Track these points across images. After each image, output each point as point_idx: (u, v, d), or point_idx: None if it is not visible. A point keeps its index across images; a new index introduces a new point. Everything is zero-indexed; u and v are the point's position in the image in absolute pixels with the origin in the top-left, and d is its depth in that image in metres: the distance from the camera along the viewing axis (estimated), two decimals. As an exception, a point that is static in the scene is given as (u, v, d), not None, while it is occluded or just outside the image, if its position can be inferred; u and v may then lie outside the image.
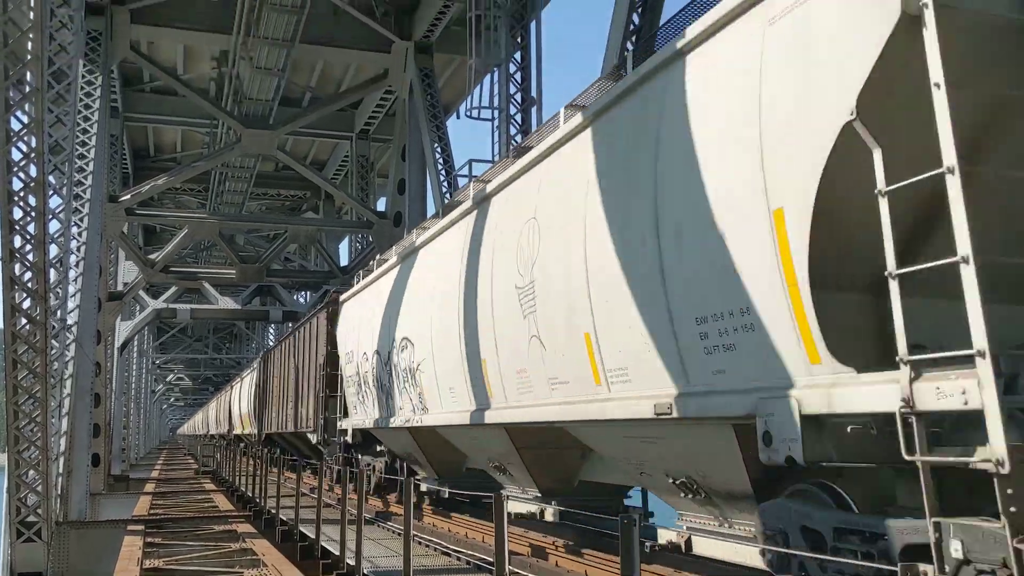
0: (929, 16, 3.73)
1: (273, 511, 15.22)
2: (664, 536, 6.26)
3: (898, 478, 4.52)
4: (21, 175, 12.56)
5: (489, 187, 8.64)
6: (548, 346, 7.04)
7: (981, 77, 3.92)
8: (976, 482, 3.53)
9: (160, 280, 26.24)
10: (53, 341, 13.82)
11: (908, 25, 3.84)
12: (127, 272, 27.96)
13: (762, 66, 4.65)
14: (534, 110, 16.72)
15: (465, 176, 17.35)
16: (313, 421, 18.09)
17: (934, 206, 3.93)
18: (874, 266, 3.98)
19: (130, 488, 26.54)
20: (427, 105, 21.91)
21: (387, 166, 29.01)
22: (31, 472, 13.89)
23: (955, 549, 3.49)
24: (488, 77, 16.64)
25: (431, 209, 22.26)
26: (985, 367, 3.38)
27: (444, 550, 10.43)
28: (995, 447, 3.33)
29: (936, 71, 3.66)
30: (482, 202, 8.78)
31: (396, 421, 11.80)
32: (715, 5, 5.26)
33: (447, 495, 11.70)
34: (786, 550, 4.72)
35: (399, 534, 10.38)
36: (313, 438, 18.43)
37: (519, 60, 16.67)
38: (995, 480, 3.35)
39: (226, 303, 27.54)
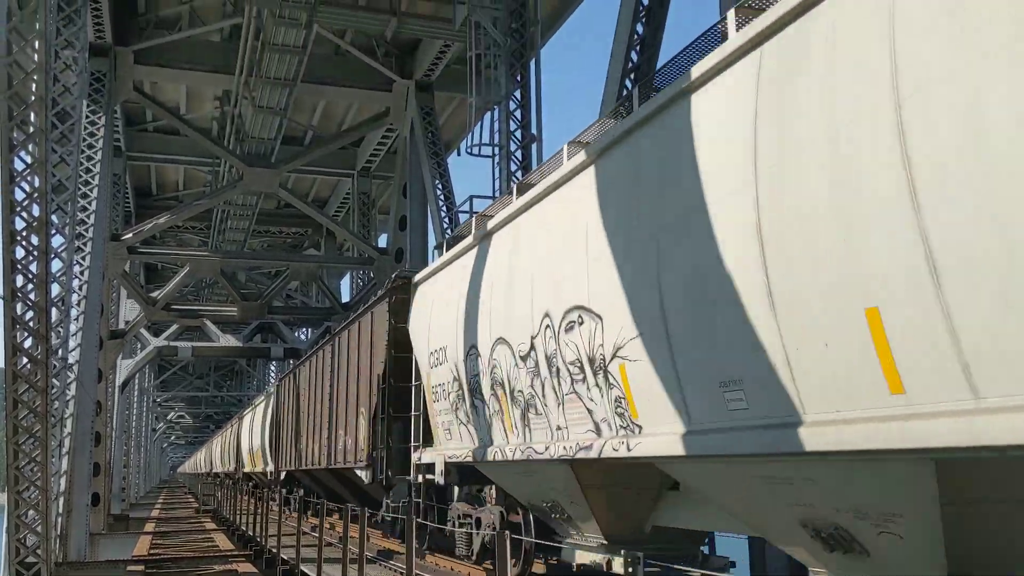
0: None
1: (274, 550, 15.09)
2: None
3: None
4: (24, 215, 12.61)
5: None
6: None
7: None
8: None
9: (162, 318, 26.25)
10: (54, 380, 13.79)
11: None
12: (128, 310, 27.97)
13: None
14: (534, 147, 16.83)
15: (466, 212, 17.42)
16: (365, 453, 13.74)
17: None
18: None
19: (130, 528, 26.33)
20: (428, 142, 22.07)
21: (388, 203, 29.14)
22: (31, 512, 13.78)
23: None
24: (488, 114, 16.76)
25: (431, 244, 22.34)
26: None
27: None
28: None
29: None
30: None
31: (555, 449, 7.38)
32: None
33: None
34: None
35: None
36: (364, 476, 13.94)
37: (519, 98, 16.80)
38: None
39: (227, 340, 27.50)
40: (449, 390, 10.13)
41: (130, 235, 23.85)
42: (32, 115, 12.32)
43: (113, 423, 28.75)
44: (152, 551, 17.86)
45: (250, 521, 19.67)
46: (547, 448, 7.46)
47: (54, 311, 13.60)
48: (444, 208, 21.21)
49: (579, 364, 6.87)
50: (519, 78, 16.71)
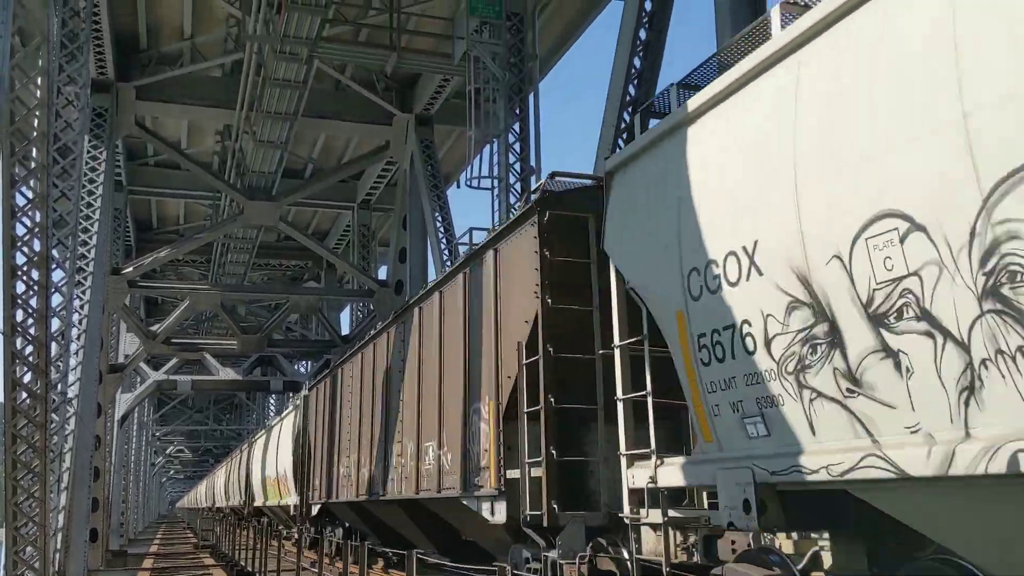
0: None
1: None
2: None
3: None
4: (25, 249, 12.65)
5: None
6: None
7: None
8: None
9: (161, 352, 26.22)
10: (53, 415, 13.74)
11: None
12: (128, 344, 27.95)
13: None
14: (533, 179, 16.90)
15: (466, 244, 17.46)
16: (493, 475, 8.90)
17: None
18: None
19: (128, 564, 26.09)
20: (428, 175, 22.19)
21: (388, 235, 29.24)
22: (29, 548, 13.67)
23: None
24: (487, 147, 16.86)
25: (432, 276, 22.37)
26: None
27: None
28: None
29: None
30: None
31: None
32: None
33: None
34: None
35: None
36: (494, 512, 8.93)
37: (518, 131, 16.91)
38: None
39: (227, 374, 27.45)
40: (784, 330, 5.06)
41: (130, 269, 23.89)
42: (34, 151, 12.40)
43: (112, 458, 28.60)
44: (150, 587, 17.67)
45: (250, 557, 19.51)
46: None
47: (54, 345, 13.59)
48: (444, 240, 21.28)
49: None
50: (518, 112, 16.83)
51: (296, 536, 18.77)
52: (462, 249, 18.95)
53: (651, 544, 6.44)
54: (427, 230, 22.16)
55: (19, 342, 12.79)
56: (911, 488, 4.30)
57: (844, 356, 4.69)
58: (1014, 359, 3.77)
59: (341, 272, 34.26)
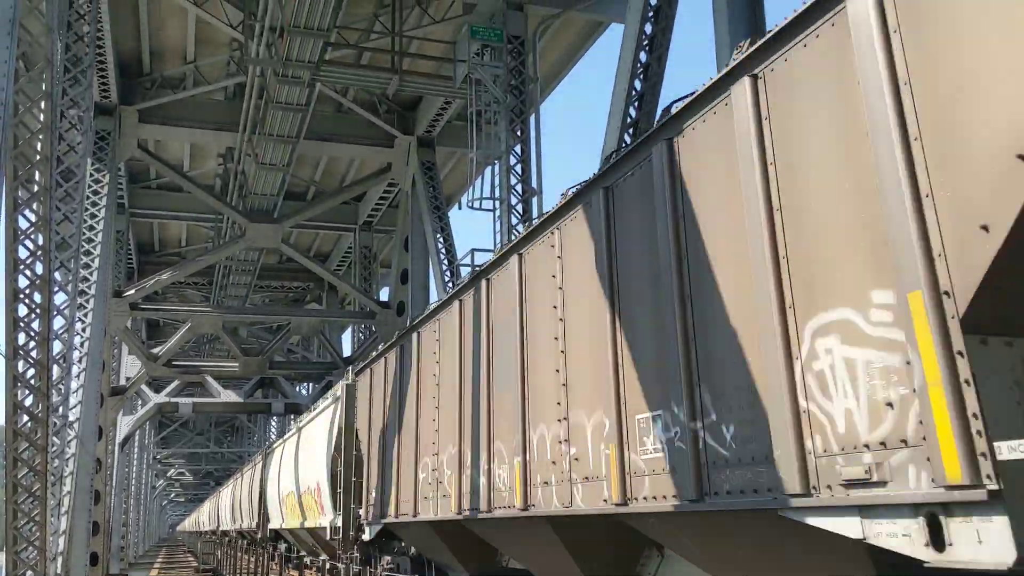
0: None
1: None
2: None
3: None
4: (27, 272, 12.67)
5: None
6: None
7: None
8: None
9: (163, 374, 26.19)
10: (54, 438, 13.72)
11: None
12: (129, 366, 27.91)
13: None
14: (535, 200, 16.95)
15: (467, 265, 17.48)
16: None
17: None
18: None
19: (128, 588, 25.92)
20: (429, 197, 22.25)
21: (390, 256, 29.28)
22: (29, 573, 13.59)
23: None
24: (489, 169, 16.92)
25: (434, 298, 22.37)
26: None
27: None
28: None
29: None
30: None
31: None
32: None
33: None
34: None
35: None
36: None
37: (519, 152, 16.98)
38: None
39: (228, 396, 27.39)
40: None
41: (132, 291, 23.91)
42: (37, 174, 12.45)
43: (112, 481, 28.50)
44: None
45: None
46: None
47: (55, 368, 13.59)
48: (445, 261, 21.31)
49: None
50: (519, 133, 16.90)
51: (341, 568, 14.30)
52: (463, 270, 18.99)
53: None
54: (429, 251, 22.19)
55: (21, 365, 12.79)
56: None
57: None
58: None
59: (343, 294, 34.29)
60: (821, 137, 4.45)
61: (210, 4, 18.40)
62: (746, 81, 4.98)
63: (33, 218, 12.60)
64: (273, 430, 52.82)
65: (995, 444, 3.47)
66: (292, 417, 27.86)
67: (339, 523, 14.48)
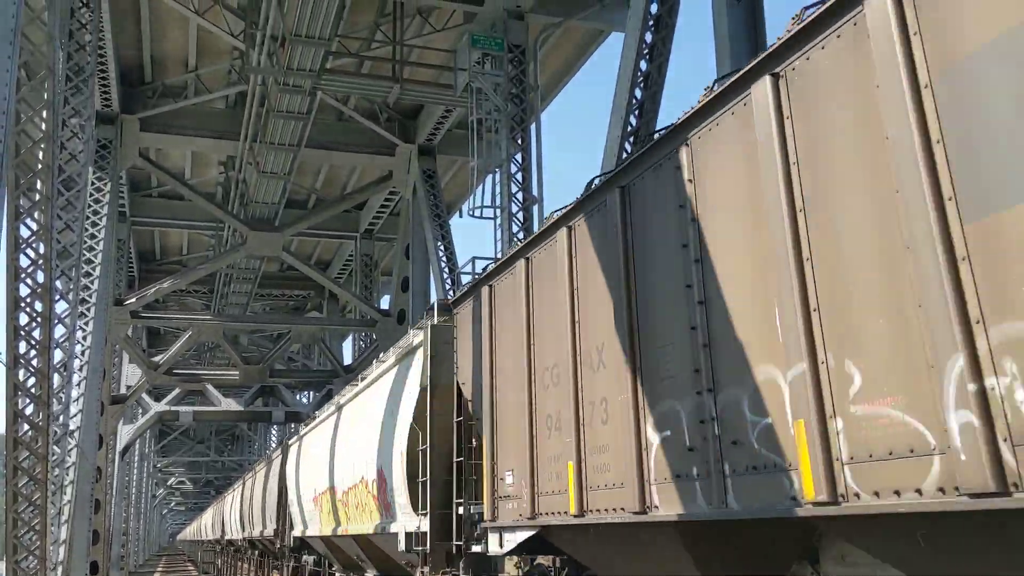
0: None
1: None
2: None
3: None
4: (28, 281, 12.67)
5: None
6: None
7: None
8: None
9: (163, 382, 26.18)
10: (55, 447, 13.70)
11: None
12: (130, 375, 27.91)
13: None
14: (535, 208, 16.96)
15: (468, 273, 17.48)
16: None
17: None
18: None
19: (128, 597, 25.86)
20: (430, 205, 22.28)
21: (391, 264, 29.29)
22: (28, 583, 13.56)
23: None
24: (490, 177, 16.93)
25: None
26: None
27: None
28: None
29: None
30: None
31: None
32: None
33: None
34: None
35: None
36: None
37: (520, 160, 17.00)
38: None
39: (229, 404, 27.38)
40: None
41: (133, 300, 23.91)
42: (39, 183, 12.46)
43: (113, 490, 28.46)
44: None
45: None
46: None
47: (56, 377, 13.58)
48: (446, 269, 21.32)
49: None
50: (520, 141, 16.93)
51: None
52: (464, 278, 19.00)
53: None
54: (430, 259, 22.21)
55: (22, 373, 12.78)
56: None
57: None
58: None
59: (343, 302, 34.30)
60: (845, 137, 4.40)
61: (211, 13, 18.44)
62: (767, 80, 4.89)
63: (34, 227, 12.61)
64: (274, 438, 52.79)
65: None
66: (292, 425, 27.82)
67: (426, 527, 9.78)
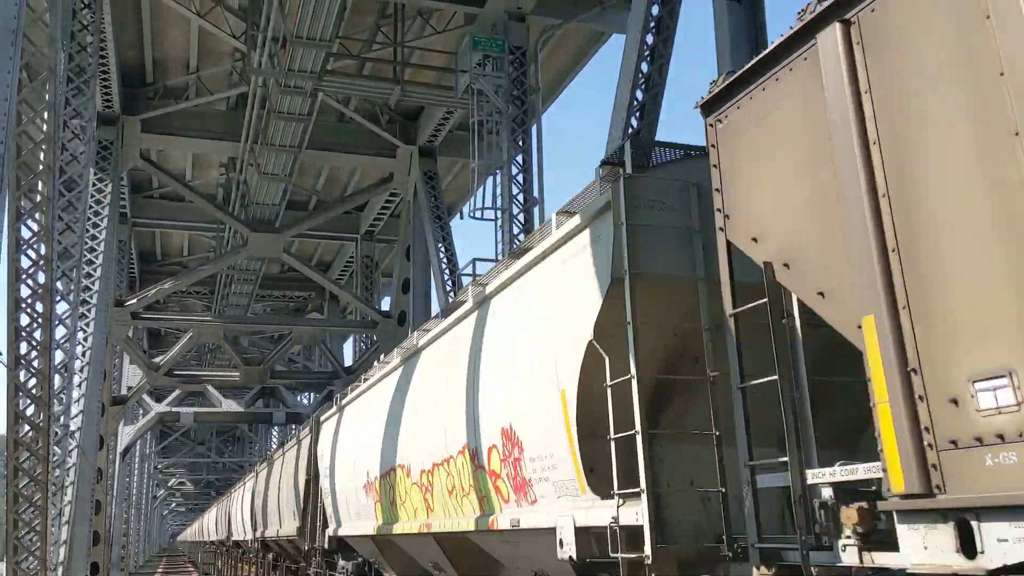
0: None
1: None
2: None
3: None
4: (29, 282, 12.69)
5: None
6: None
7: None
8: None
9: (164, 384, 26.18)
10: (55, 448, 13.71)
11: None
12: (131, 376, 27.92)
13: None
14: (536, 210, 16.97)
15: (469, 275, 17.49)
16: None
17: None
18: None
19: (128, 598, 25.86)
20: (431, 206, 22.28)
21: (391, 266, 29.30)
22: (28, 584, 13.57)
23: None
24: (490, 178, 16.94)
25: (435, 308, 22.38)
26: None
27: None
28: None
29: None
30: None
31: None
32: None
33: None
34: None
35: None
36: None
37: (520, 162, 17.00)
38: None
39: (229, 406, 27.39)
40: None
41: (134, 301, 23.92)
42: (40, 184, 12.48)
43: (113, 490, 28.46)
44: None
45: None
46: None
47: (57, 378, 13.58)
48: (447, 271, 21.32)
49: None
50: (520, 143, 16.93)
51: None
52: (464, 280, 19.01)
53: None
54: (430, 261, 22.21)
55: (23, 374, 12.79)
56: None
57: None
58: None
59: (344, 303, 34.30)
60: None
61: (213, 15, 18.46)
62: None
63: (36, 228, 12.62)
64: (274, 440, 52.78)
65: None
66: (293, 427, 27.81)
67: (636, 515, 5.93)
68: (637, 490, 5.82)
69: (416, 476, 10.48)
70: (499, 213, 16.72)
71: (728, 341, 5.28)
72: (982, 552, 3.61)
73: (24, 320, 12.72)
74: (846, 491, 4.42)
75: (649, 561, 5.68)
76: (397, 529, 11.26)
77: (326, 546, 16.25)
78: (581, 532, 6.48)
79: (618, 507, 5.97)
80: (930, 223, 3.94)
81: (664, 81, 12.56)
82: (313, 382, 29.50)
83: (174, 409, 28.44)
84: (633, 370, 5.94)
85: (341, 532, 15.03)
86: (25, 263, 12.58)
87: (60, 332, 13.72)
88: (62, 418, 14.51)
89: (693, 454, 6.07)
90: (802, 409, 4.81)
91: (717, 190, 5.49)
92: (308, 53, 16.58)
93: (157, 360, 25.64)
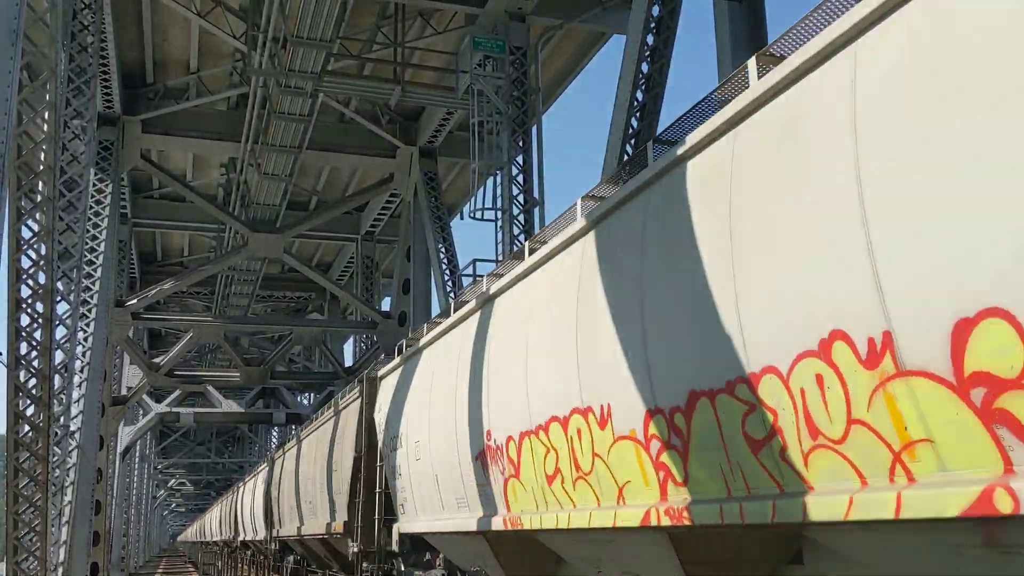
0: None
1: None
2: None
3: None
4: (30, 282, 12.68)
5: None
6: None
7: None
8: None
9: (164, 384, 26.17)
10: (55, 448, 13.70)
11: None
12: (131, 376, 27.91)
13: None
14: (536, 210, 16.97)
15: (469, 275, 17.49)
16: None
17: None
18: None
19: (128, 599, 25.85)
20: (431, 207, 22.28)
21: (392, 267, 29.30)
22: (28, 584, 13.56)
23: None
24: (491, 179, 16.94)
25: (435, 308, 22.39)
26: None
27: None
28: None
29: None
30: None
31: None
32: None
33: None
34: None
35: None
36: None
37: (521, 163, 17.00)
38: None
39: (230, 406, 27.38)
40: None
41: (134, 301, 23.92)
42: (40, 184, 12.47)
43: (113, 491, 28.45)
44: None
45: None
46: None
47: (57, 378, 13.58)
48: (447, 272, 21.32)
49: None
50: (521, 144, 16.93)
51: None
52: (465, 280, 19.01)
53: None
54: (431, 261, 22.21)
55: (23, 375, 12.79)
56: None
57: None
58: None
59: (344, 304, 34.30)
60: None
61: (213, 15, 18.46)
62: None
63: (36, 228, 12.62)
64: (275, 440, 52.76)
65: None
66: (293, 427, 27.80)
67: None
68: None
69: (626, 426, 5.64)
70: (499, 214, 16.72)
71: None
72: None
73: (24, 320, 12.72)
74: None
75: None
76: (578, 520, 6.29)
77: (394, 547, 11.57)
78: None
79: None
80: None
81: (664, 81, 12.57)
82: (313, 383, 29.49)
83: (174, 409, 28.43)
84: None
85: (420, 528, 10.41)
86: (25, 263, 12.58)
87: (60, 332, 13.72)
88: (62, 418, 14.51)
89: None
90: None
91: None
92: (308, 53, 16.58)
93: (157, 360, 25.63)
